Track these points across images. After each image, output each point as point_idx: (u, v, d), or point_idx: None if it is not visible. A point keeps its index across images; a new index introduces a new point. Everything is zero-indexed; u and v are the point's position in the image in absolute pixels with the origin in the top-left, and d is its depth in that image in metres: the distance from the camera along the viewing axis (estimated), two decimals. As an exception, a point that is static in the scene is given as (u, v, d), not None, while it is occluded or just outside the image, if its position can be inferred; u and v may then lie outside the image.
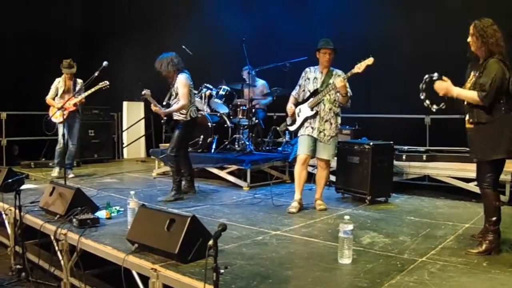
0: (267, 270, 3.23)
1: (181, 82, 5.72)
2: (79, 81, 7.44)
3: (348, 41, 6.99)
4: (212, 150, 7.60)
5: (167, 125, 6.00)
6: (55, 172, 7.49)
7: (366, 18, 8.03)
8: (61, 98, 7.37)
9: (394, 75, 7.74)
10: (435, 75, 3.81)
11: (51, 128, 7.46)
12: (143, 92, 5.67)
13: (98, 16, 10.49)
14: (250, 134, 7.78)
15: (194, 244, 3.24)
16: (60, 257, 4.09)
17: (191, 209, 5.25)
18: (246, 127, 7.82)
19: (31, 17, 9.08)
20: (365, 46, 7.30)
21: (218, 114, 7.95)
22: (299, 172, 5.32)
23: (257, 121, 8.02)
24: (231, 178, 7.07)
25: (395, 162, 6.24)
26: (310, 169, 5.84)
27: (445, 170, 6.17)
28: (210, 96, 7.93)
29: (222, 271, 2.48)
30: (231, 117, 7.86)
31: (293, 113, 5.47)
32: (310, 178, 5.87)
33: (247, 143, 7.56)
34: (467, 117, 3.69)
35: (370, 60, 4.78)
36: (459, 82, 3.74)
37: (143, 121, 11.38)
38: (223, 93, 7.85)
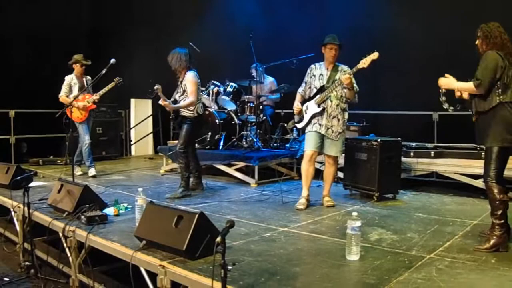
0: (275, 267, 3.23)
1: (190, 79, 5.78)
2: (88, 77, 7.38)
3: (356, 38, 6.97)
4: (220, 147, 7.63)
5: (175, 121, 6.04)
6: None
7: (374, 15, 8.00)
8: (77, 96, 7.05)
9: (402, 71, 7.72)
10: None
11: (72, 129, 7.01)
12: (155, 87, 5.74)
13: (105, 13, 10.51)
14: (258, 131, 7.77)
15: (202, 241, 3.25)
16: (69, 254, 4.12)
17: (199, 205, 5.28)
18: (253, 124, 7.81)
19: (39, 15, 9.11)
20: (372, 43, 7.25)
21: (226, 111, 7.95)
22: (306, 169, 5.31)
23: (264, 118, 8.01)
24: (239, 175, 7.08)
25: (403, 159, 6.22)
26: (317, 165, 5.83)
27: (453, 167, 6.16)
28: (218, 93, 7.94)
29: (230, 267, 2.49)
30: (239, 114, 7.86)
31: (300, 111, 5.45)
32: (318, 174, 5.86)
33: (255, 140, 7.56)
34: (473, 111, 3.79)
35: (375, 55, 4.75)
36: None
37: (151, 118, 11.42)
38: (231, 90, 7.84)
